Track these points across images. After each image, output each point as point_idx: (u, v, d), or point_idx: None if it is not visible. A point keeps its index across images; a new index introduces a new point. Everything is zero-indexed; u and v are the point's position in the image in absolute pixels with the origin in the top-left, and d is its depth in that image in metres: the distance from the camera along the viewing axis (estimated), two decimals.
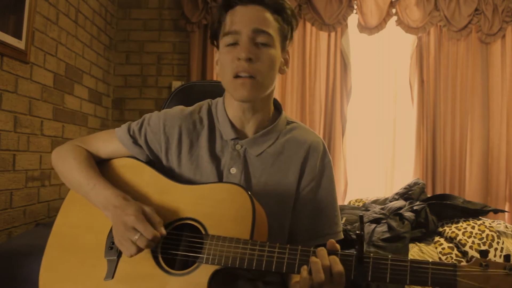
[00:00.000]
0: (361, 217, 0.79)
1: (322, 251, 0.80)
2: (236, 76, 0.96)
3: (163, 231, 0.89)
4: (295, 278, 0.89)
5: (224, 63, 0.98)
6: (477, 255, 0.77)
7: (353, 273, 0.78)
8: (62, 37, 2.47)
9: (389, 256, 0.78)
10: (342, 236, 1.06)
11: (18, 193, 2.09)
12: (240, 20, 0.96)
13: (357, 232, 0.78)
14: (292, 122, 1.10)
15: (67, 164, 1.05)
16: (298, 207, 1.03)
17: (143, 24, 3.33)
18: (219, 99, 1.10)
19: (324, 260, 0.78)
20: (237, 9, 0.97)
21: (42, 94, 2.26)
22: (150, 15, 3.33)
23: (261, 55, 0.96)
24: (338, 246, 0.81)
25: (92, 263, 0.96)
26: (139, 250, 0.87)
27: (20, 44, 2.02)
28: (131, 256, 0.88)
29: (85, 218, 1.02)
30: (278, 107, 1.10)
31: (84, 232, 1.01)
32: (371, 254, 0.79)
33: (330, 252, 0.80)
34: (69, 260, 0.99)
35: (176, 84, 3.26)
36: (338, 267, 0.77)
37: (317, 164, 1.04)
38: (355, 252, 0.79)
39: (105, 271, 0.93)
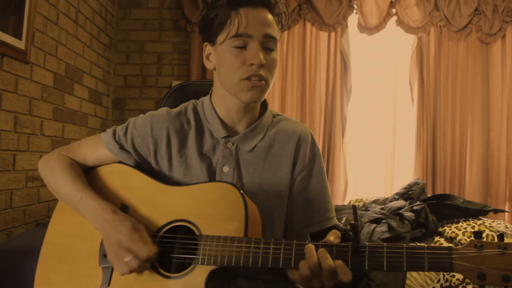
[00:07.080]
0: (354, 207, 0.80)
1: (309, 248, 0.80)
2: (245, 79, 0.95)
3: (155, 248, 0.88)
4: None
5: (229, 65, 0.96)
6: None
7: (349, 263, 0.78)
8: (62, 37, 2.47)
9: (385, 244, 0.79)
10: (336, 222, 1.08)
11: (18, 193, 2.09)
12: (252, 23, 0.94)
13: (351, 222, 0.78)
14: (278, 114, 1.11)
15: (54, 176, 1.03)
16: (292, 197, 1.04)
17: (143, 24, 3.33)
18: (204, 99, 1.09)
19: (312, 257, 0.79)
20: (246, 11, 0.95)
21: (42, 94, 2.26)
22: (150, 15, 3.33)
23: (269, 60, 0.97)
24: (334, 238, 0.80)
25: (87, 272, 0.95)
26: (132, 271, 0.87)
27: (20, 44, 2.02)
28: (123, 275, 0.88)
29: (77, 226, 1.00)
30: (263, 102, 1.10)
31: (77, 240, 0.99)
32: (367, 243, 0.78)
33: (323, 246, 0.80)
34: (64, 271, 0.97)
35: (176, 84, 3.25)
36: (328, 262, 0.78)
37: (307, 154, 1.06)
38: (350, 243, 0.79)
39: (100, 279, 0.92)
